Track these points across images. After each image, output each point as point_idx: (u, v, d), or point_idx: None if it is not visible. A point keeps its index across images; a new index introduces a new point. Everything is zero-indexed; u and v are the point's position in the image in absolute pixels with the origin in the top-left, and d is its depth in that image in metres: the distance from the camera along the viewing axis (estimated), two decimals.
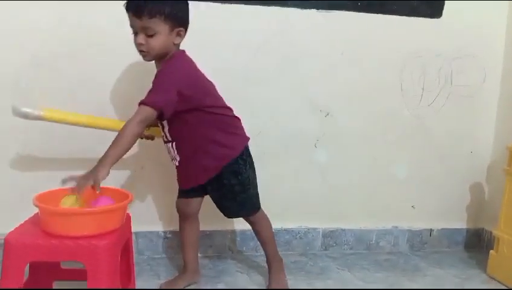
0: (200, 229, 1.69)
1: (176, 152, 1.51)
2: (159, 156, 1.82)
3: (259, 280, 1.69)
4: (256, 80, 1.84)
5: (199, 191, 1.57)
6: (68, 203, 1.28)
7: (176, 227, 1.87)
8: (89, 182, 1.25)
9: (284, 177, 1.93)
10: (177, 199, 1.62)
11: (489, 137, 2.10)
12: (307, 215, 2.00)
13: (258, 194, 1.58)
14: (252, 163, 1.56)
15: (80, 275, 1.41)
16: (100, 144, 1.77)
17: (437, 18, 1.94)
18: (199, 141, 1.48)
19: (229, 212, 1.58)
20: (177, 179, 1.59)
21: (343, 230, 2.03)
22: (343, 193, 2.01)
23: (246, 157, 1.53)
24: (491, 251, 1.83)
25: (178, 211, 1.63)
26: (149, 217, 1.86)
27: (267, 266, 1.65)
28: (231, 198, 1.52)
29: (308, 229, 2.00)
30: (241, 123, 1.56)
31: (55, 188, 1.35)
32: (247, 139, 1.56)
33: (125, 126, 1.35)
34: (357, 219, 2.05)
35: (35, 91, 1.68)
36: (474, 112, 2.07)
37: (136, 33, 1.39)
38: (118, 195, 1.37)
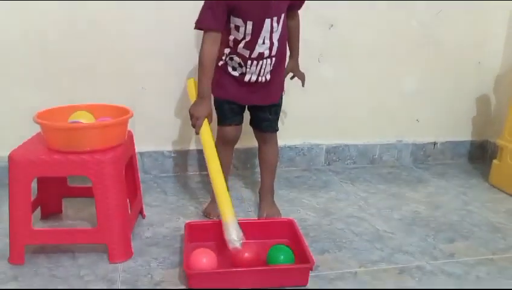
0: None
1: (271, 67, 1.42)
2: (160, 77, 1.80)
3: None
4: None
5: (242, 115, 1.51)
6: (79, 118, 1.29)
7: (180, 147, 1.90)
8: (198, 122, 1.34)
9: (287, 93, 1.91)
10: (226, 127, 1.47)
11: (499, 47, 2.03)
12: (310, 132, 2.00)
13: None
14: None
15: (87, 192, 1.44)
16: (100, 60, 1.76)
17: None
18: (285, 52, 1.45)
19: (270, 125, 1.52)
20: (241, 97, 1.45)
21: (347, 145, 2.04)
22: (347, 108, 2.00)
23: None
24: (494, 160, 1.84)
25: (228, 137, 1.50)
26: (153, 138, 1.86)
27: (259, 195, 1.61)
28: (274, 112, 1.51)
29: (312, 145, 2.01)
30: None
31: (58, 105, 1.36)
32: None
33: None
34: (361, 135, 2.05)
35: None
36: (483, 21, 1.99)
37: None
38: (119, 111, 1.36)
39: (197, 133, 1.36)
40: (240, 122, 1.50)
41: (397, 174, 1.97)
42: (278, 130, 1.54)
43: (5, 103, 1.73)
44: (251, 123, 1.54)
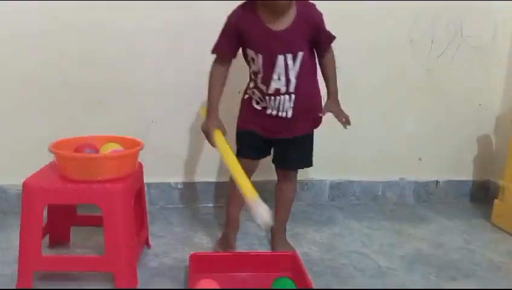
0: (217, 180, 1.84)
1: (292, 104, 1.40)
2: (170, 111, 1.86)
3: None
4: None
5: (267, 150, 1.51)
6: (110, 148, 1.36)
7: (187, 179, 1.94)
8: (209, 135, 1.39)
9: None
10: (241, 159, 1.39)
11: (499, 89, 2.08)
12: (314, 167, 2.00)
13: None
14: None
15: (95, 221, 1.47)
16: (112, 95, 1.81)
17: None
18: (310, 88, 1.44)
19: (294, 162, 1.51)
20: (263, 129, 1.45)
21: (350, 182, 2.07)
22: (352, 146, 2.03)
23: None
24: (496, 200, 1.86)
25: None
26: (161, 169, 1.90)
27: (271, 231, 1.60)
28: (300, 149, 1.50)
29: (316, 180, 2.04)
30: None
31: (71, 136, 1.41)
32: None
33: None
34: (364, 171, 2.08)
35: None
36: (484, 64, 2.05)
37: None
38: (130, 143, 1.41)
39: (213, 145, 1.39)
40: (256, 157, 1.48)
41: (400, 211, 2.00)
42: (307, 166, 1.57)
43: (17, 132, 1.80)
44: (274, 160, 1.53)
